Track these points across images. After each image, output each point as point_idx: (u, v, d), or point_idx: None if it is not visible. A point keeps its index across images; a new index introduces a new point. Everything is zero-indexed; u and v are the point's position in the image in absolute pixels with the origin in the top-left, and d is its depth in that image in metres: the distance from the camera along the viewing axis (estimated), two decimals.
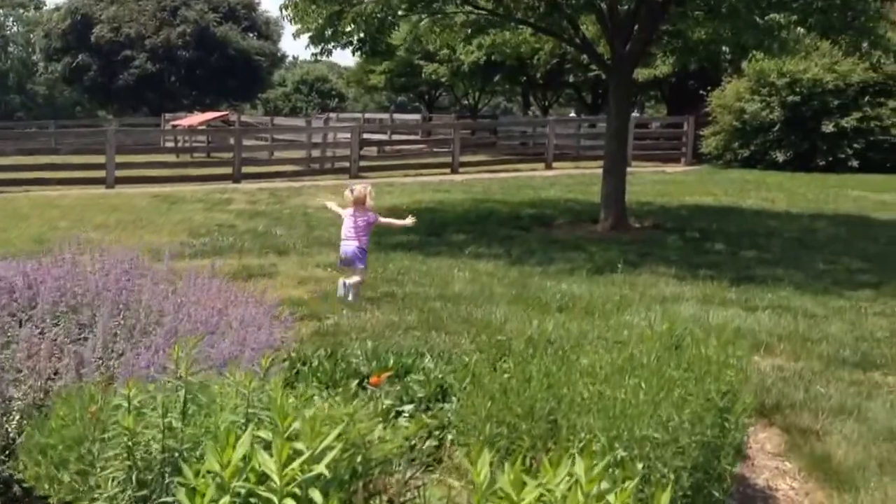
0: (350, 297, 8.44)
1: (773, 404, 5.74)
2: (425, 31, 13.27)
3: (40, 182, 19.61)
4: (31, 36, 58.91)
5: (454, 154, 24.40)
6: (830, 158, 23.44)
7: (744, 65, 23.84)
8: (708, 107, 26.09)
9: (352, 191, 8.72)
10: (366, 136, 26.40)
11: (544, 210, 15.19)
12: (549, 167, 25.18)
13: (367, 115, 40.65)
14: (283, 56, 61.39)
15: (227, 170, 22.51)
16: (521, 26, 13.76)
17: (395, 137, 30.23)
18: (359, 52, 13.16)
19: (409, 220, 8.99)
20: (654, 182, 20.64)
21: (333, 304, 8.53)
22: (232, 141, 23.72)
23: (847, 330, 7.55)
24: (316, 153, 25.78)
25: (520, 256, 10.96)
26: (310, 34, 12.17)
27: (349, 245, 8.61)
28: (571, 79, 32.59)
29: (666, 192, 18.47)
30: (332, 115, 42.21)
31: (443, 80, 34.06)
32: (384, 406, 5.18)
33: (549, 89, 38.62)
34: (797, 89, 23.56)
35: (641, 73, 28.16)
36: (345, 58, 63.53)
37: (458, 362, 5.73)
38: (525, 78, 33.51)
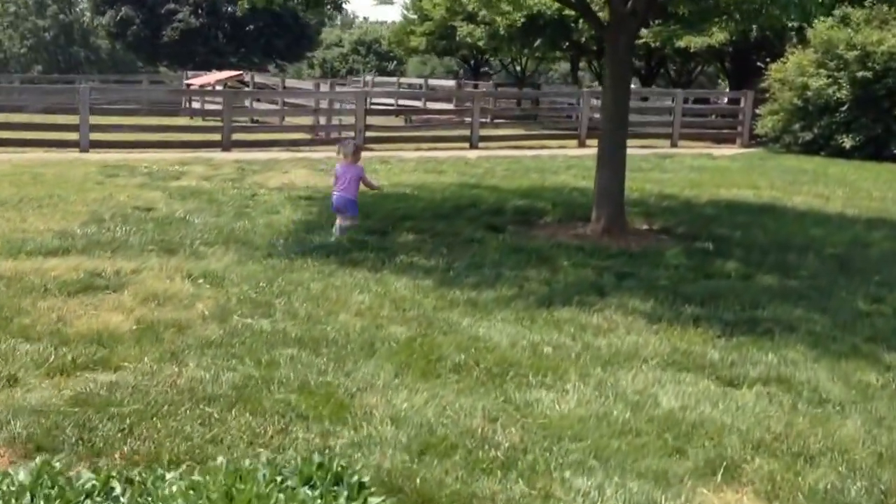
0: (338, 233, 9.62)
1: None
2: None
3: (6, 143, 17.65)
4: None
5: (473, 127, 21.61)
6: None
7: (809, 33, 20.63)
8: (766, 81, 22.76)
9: (343, 146, 10.19)
10: (376, 101, 23.84)
11: (537, 202, 12.43)
12: (581, 144, 22.23)
13: (405, 80, 38.01)
14: (333, 15, 58.99)
15: (217, 136, 20.11)
16: None
17: (429, 106, 27.57)
18: (302, 5, 10.61)
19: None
20: (691, 168, 17.61)
21: (147, 344, 6.04)
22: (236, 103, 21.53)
23: (868, 435, 4.80)
24: (324, 121, 23.42)
25: (460, 272, 8.22)
26: None
27: (341, 197, 9.76)
28: None
29: (700, 181, 15.49)
30: (369, 77, 39.70)
31: (479, 43, 30.95)
32: None
33: (602, 57, 35.41)
34: (870, 64, 20.06)
35: (694, 42, 25.00)
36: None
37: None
38: (567, 43, 30.32)
